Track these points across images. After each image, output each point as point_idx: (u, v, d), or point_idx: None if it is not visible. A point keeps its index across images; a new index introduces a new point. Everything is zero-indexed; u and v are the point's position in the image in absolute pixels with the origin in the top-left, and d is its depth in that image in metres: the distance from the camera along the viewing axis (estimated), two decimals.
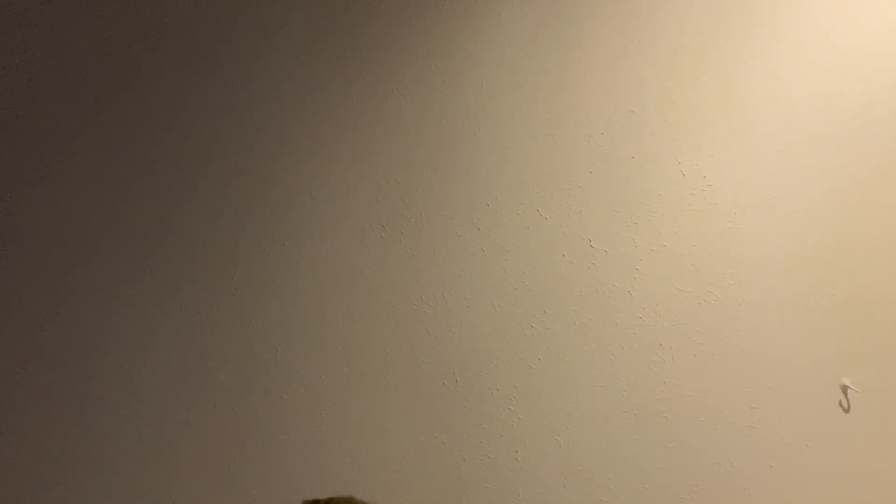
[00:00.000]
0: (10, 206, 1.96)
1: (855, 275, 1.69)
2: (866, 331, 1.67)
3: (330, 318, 1.84)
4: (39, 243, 1.94)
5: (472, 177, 1.83)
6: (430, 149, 1.85)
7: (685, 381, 1.72)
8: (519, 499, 1.76)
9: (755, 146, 1.73)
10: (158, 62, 1.95)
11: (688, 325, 1.73)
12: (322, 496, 1.27)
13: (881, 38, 1.71)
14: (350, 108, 1.88)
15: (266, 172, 1.90)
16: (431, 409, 1.80)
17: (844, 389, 1.67)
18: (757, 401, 1.70)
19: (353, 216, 1.86)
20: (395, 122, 1.86)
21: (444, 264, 1.82)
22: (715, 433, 1.71)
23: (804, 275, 1.70)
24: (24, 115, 1.98)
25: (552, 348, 1.77)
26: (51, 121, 1.97)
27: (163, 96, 1.94)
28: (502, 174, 1.82)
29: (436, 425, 1.79)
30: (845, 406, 1.68)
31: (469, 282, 1.81)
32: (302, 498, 1.27)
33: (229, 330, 1.87)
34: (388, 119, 1.87)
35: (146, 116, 1.94)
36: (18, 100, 1.98)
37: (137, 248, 1.91)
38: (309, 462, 1.82)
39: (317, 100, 1.90)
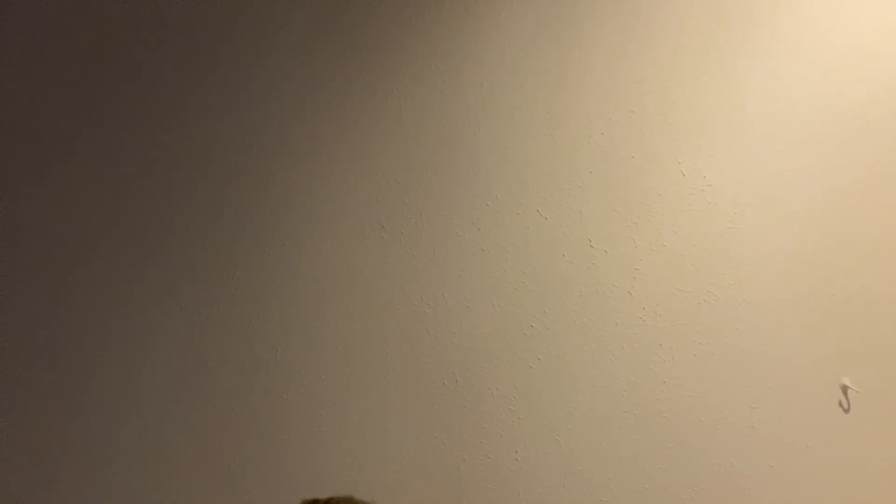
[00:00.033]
0: (10, 206, 1.96)
1: (855, 275, 1.68)
2: (866, 331, 1.67)
3: (330, 318, 1.84)
4: (39, 243, 1.94)
5: (472, 177, 1.83)
6: (430, 149, 1.85)
7: (685, 381, 1.72)
8: (519, 499, 1.76)
9: (755, 146, 1.73)
10: (158, 62, 1.95)
11: (688, 325, 1.73)
12: (322, 496, 1.27)
13: (881, 38, 1.71)
14: (350, 108, 1.89)
15: (266, 172, 1.90)
16: (431, 409, 1.80)
17: (844, 389, 1.67)
18: (757, 401, 1.70)
19: (353, 216, 1.86)
20: (395, 122, 1.86)
21: (444, 264, 1.82)
22: (715, 433, 1.71)
23: (804, 275, 1.70)
24: (24, 115, 1.98)
25: (552, 348, 1.77)
26: (51, 121, 1.97)
27: (163, 96, 1.95)
28: (502, 174, 1.82)
29: (436, 425, 1.79)
30: (845, 406, 1.67)
31: (469, 282, 1.81)
32: (301, 498, 1.27)
33: (229, 330, 1.87)
34: (388, 119, 1.87)
35: (146, 116, 1.95)
36: (18, 100, 1.98)
37: (137, 248, 1.91)
38: (309, 462, 1.82)
39: (317, 100, 1.90)
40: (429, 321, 1.81)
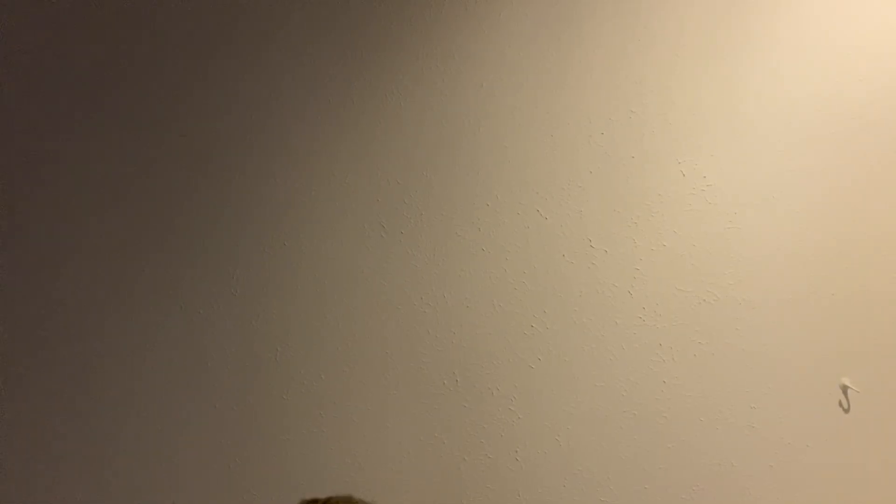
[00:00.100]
0: (10, 206, 1.96)
1: (855, 275, 1.68)
2: (866, 331, 1.67)
3: (330, 318, 1.84)
4: (39, 243, 1.94)
5: (472, 177, 1.83)
6: (430, 149, 1.85)
7: (685, 381, 1.72)
8: (519, 499, 1.76)
9: (755, 146, 1.73)
10: (158, 62, 1.95)
11: (688, 325, 1.73)
12: (321, 496, 1.27)
13: (881, 38, 1.71)
14: (350, 108, 1.88)
15: (266, 172, 1.90)
16: (431, 409, 1.80)
17: (844, 389, 1.67)
18: (757, 401, 1.70)
19: (353, 216, 1.86)
20: (395, 122, 1.86)
21: (444, 264, 1.82)
22: (715, 433, 1.71)
23: (804, 275, 1.70)
24: (23, 114, 1.98)
25: (552, 348, 1.77)
26: (51, 121, 1.97)
27: (163, 96, 1.95)
28: (502, 174, 1.82)
29: (436, 425, 1.79)
30: (845, 406, 1.67)
31: (469, 282, 1.81)
32: (301, 498, 1.27)
33: (229, 330, 1.87)
34: (388, 119, 1.87)
35: (146, 116, 1.94)
36: (18, 99, 1.98)
37: (137, 247, 1.91)
38: (309, 462, 1.82)
39: (317, 100, 1.90)
40: (429, 321, 1.81)
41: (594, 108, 1.79)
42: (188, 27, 1.95)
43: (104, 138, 1.95)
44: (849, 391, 1.67)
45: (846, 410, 1.67)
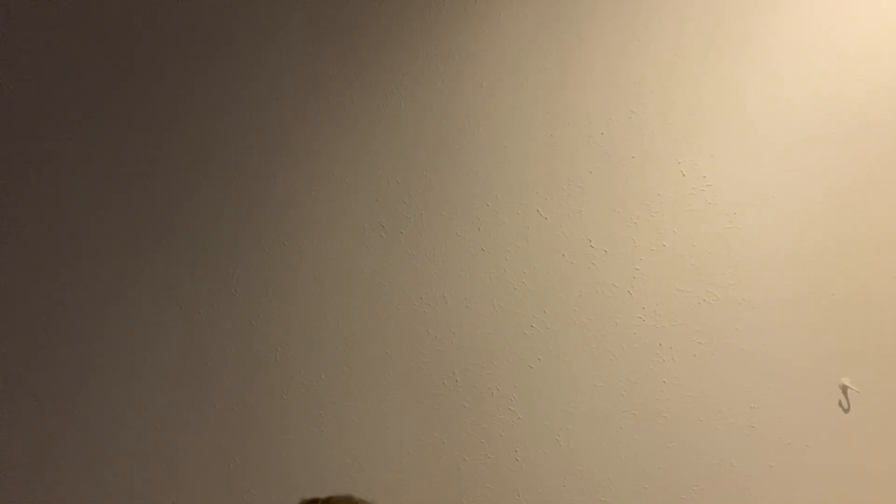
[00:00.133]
0: (9, 206, 1.96)
1: (855, 275, 1.68)
2: (866, 331, 1.67)
3: (330, 318, 1.84)
4: (39, 243, 1.94)
5: (472, 177, 1.83)
6: (430, 149, 1.85)
7: (685, 381, 1.72)
8: (519, 499, 1.76)
9: (755, 146, 1.73)
10: (158, 62, 1.95)
11: (688, 325, 1.73)
12: (321, 496, 1.27)
13: (881, 38, 1.71)
14: (350, 108, 1.88)
15: (266, 172, 1.90)
16: (431, 409, 1.80)
17: (844, 389, 1.67)
18: (757, 401, 1.70)
19: (353, 216, 1.86)
20: (395, 122, 1.86)
21: (444, 264, 1.82)
22: (715, 433, 1.71)
23: (804, 275, 1.70)
24: (24, 114, 1.98)
25: (552, 348, 1.77)
26: (51, 120, 1.97)
27: (163, 96, 1.95)
28: (502, 174, 1.82)
29: (436, 425, 1.79)
30: (845, 406, 1.67)
31: (469, 282, 1.81)
32: (301, 497, 1.27)
33: (229, 330, 1.87)
34: (388, 119, 1.87)
35: (146, 116, 1.95)
36: (18, 99, 1.98)
37: (137, 247, 1.91)
38: (309, 462, 1.82)
39: (317, 100, 1.90)
40: (429, 321, 1.81)
41: (594, 108, 1.79)
42: (188, 27, 1.95)
43: (104, 138, 1.95)
44: (849, 391, 1.67)
45: (846, 410, 1.67)
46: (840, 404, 1.68)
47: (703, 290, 1.73)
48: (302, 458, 1.82)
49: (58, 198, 1.95)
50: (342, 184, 1.87)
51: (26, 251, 1.94)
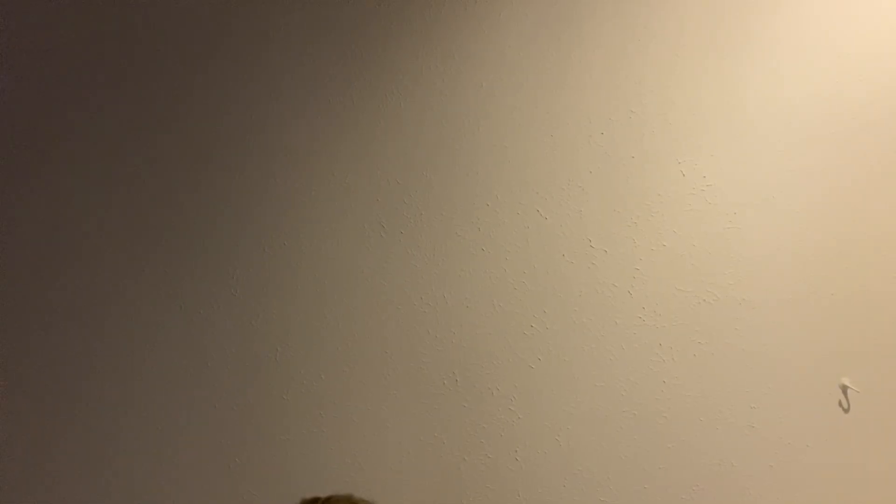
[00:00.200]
0: (9, 206, 1.96)
1: (855, 275, 1.68)
2: (866, 331, 1.67)
3: (330, 318, 1.84)
4: (39, 243, 1.94)
5: (472, 177, 1.83)
6: (430, 149, 1.85)
7: (685, 381, 1.72)
8: (519, 499, 1.76)
9: (755, 146, 1.73)
10: (158, 62, 1.95)
11: (688, 325, 1.73)
12: (321, 495, 1.27)
13: (881, 38, 1.71)
14: (350, 108, 1.88)
15: (266, 172, 1.90)
16: (431, 409, 1.80)
17: (844, 389, 1.67)
18: (757, 401, 1.70)
19: (353, 216, 1.86)
20: (395, 122, 1.86)
21: (444, 264, 1.82)
22: (715, 433, 1.71)
23: (804, 275, 1.70)
24: (23, 114, 1.98)
25: (552, 348, 1.77)
26: (50, 120, 1.97)
27: (163, 96, 1.95)
28: (502, 174, 1.82)
29: (436, 425, 1.79)
30: (845, 406, 1.67)
31: (469, 282, 1.81)
32: (301, 497, 1.27)
33: (229, 330, 1.87)
34: (388, 119, 1.87)
35: (146, 116, 1.95)
36: (18, 99, 1.98)
37: (137, 247, 1.91)
38: (309, 462, 1.82)
39: (317, 100, 1.90)
40: (429, 321, 1.81)
41: (594, 108, 1.79)
42: (188, 27, 1.95)
43: (104, 138, 1.95)
44: (849, 391, 1.67)
45: (846, 410, 1.67)
46: (840, 404, 1.68)
47: (703, 290, 1.73)
48: (302, 458, 1.82)
49: (58, 198, 1.95)
50: (342, 184, 1.87)
51: (26, 251, 1.94)
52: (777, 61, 1.74)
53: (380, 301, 1.83)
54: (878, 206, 1.69)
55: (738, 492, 1.69)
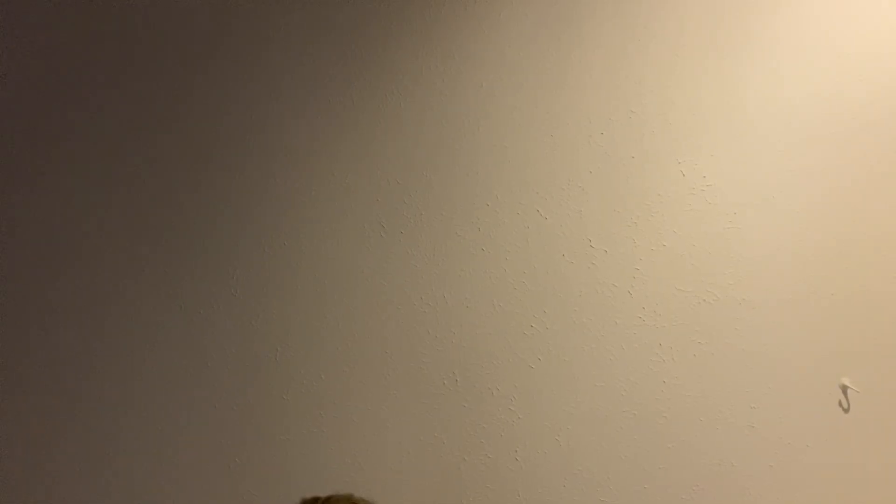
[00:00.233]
0: (9, 206, 1.96)
1: (855, 275, 1.68)
2: (866, 331, 1.67)
3: (330, 318, 1.84)
4: (39, 243, 1.94)
5: (472, 177, 1.83)
6: (430, 149, 1.85)
7: (685, 381, 1.72)
8: (519, 499, 1.76)
9: (755, 146, 1.73)
10: (158, 62, 1.95)
11: (688, 325, 1.73)
12: (321, 495, 1.27)
13: (881, 38, 1.71)
14: (350, 108, 1.88)
15: (266, 172, 1.90)
16: (431, 409, 1.80)
17: (844, 389, 1.67)
18: (757, 401, 1.70)
19: (353, 216, 1.86)
20: (395, 122, 1.87)
21: (444, 264, 1.82)
22: (715, 433, 1.71)
23: (804, 275, 1.70)
24: (23, 114, 1.98)
25: (552, 348, 1.77)
26: (50, 120, 1.97)
27: (163, 96, 1.95)
28: (502, 174, 1.82)
29: (436, 425, 1.79)
30: (845, 406, 1.67)
31: (469, 282, 1.81)
32: (301, 497, 1.27)
33: (229, 330, 1.87)
34: (388, 119, 1.87)
35: (146, 116, 1.95)
36: (18, 99, 1.98)
37: (137, 247, 1.91)
38: (309, 462, 1.82)
39: (317, 100, 1.90)
40: (429, 321, 1.81)
41: (594, 108, 1.79)
42: (188, 27, 1.95)
43: (104, 138, 1.95)
44: (849, 391, 1.67)
45: (846, 410, 1.67)
46: (840, 404, 1.68)
47: (703, 290, 1.73)
48: (302, 458, 1.82)
49: (58, 198, 1.95)
50: (342, 184, 1.87)
51: (26, 251, 1.94)
52: (777, 61, 1.74)
53: (380, 301, 1.83)
54: (878, 206, 1.69)
55: (738, 492, 1.69)
